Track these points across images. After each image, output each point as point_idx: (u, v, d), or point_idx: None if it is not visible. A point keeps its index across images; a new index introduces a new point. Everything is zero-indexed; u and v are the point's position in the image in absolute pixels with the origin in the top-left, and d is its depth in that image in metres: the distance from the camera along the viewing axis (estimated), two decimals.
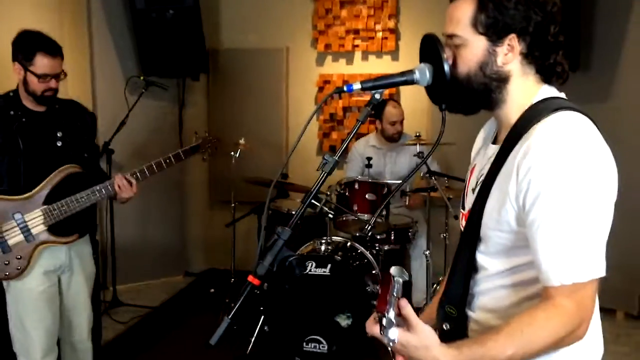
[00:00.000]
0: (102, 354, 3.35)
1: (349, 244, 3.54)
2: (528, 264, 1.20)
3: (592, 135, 1.15)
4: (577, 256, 1.10)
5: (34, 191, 2.39)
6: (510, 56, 1.23)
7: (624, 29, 3.98)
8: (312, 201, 1.30)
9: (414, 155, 3.64)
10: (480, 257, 1.27)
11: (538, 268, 1.14)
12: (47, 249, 2.44)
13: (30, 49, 2.36)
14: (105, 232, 4.38)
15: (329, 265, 3.20)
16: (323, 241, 3.44)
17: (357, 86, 1.30)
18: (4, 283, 2.49)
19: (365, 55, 4.77)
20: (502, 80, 1.25)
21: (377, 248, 3.76)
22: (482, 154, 1.39)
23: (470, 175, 1.41)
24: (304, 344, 3.24)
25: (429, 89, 1.33)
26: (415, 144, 3.53)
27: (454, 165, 4.28)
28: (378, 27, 4.67)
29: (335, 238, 3.54)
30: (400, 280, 1.09)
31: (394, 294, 1.07)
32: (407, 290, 4.02)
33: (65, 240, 2.47)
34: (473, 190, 1.35)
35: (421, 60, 1.33)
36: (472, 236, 1.26)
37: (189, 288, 4.86)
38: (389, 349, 1.11)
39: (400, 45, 4.70)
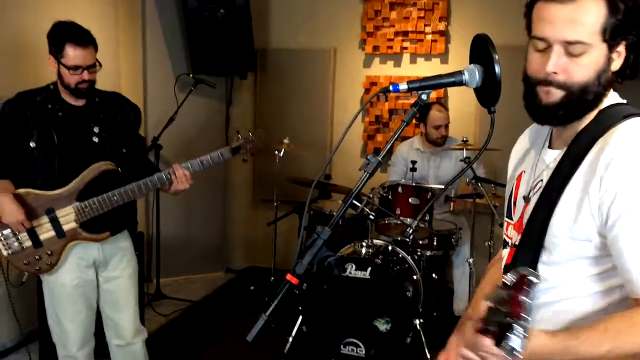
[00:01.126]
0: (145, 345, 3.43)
1: (390, 247, 3.50)
2: (598, 275, 1.16)
3: None
4: None
5: (67, 187, 2.35)
6: (617, 63, 1.17)
7: None
8: (354, 202, 1.28)
9: (460, 160, 3.57)
10: (543, 268, 1.21)
11: (628, 279, 1.10)
12: (79, 244, 2.42)
13: (60, 40, 2.29)
14: (151, 226, 4.47)
15: (369, 269, 3.17)
16: (364, 244, 3.42)
17: (403, 86, 1.28)
18: (40, 276, 2.49)
19: (413, 58, 4.71)
20: (609, 86, 1.19)
21: (418, 253, 3.70)
22: (532, 159, 1.34)
23: (518, 182, 1.36)
24: (342, 346, 3.22)
25: (478, 91, 1.30)
26: (462, 149, 3.46)
27: (501, 172, 4.17)
28: (428, 29, 4.60)
29: (376, 241, 3.50)
30: (537, 282, 0.97)
31: (529, 298, 0.94)
32: (448, 298, 3.94)
33: (96, 237, 2.42)
34: (525, 197, 1.30)
35: (471, 62, 1.30)
36: (532, 246, 1.20)
37: (229, 284, 4.91)
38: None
39: (450, 48, 4.62)
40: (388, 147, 1.33)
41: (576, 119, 1.20)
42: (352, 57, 4.85)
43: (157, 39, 4.64)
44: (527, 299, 0.93)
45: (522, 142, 1.44)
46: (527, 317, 0.92)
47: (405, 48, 4.69)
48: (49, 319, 2.52)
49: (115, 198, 2.36)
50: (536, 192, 1.26)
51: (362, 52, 4.82)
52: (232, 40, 4.53)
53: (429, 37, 4.61)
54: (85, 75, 2.33)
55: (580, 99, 1.15)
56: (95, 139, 2.41)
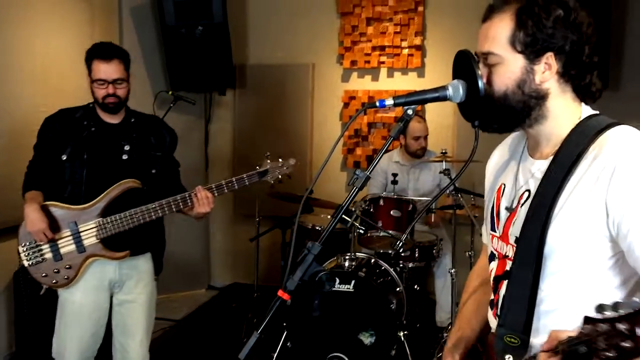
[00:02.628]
0: None
1: (372, 260, 3.52)
2: (610, 271, 1.18)
3: None
4: None
5: (92, 202, 2.38)
6: (547, 74, 1.22)
7: None
8: (344, 216, 1.29)
9: (440, 172, 3.61)
10: (551, 278, 1.22)
11: None
12: (97, 261, 2.41)
13: (88, 58, 2.41)
14: None
15: (353, 282, 3.17)
16: (347, 257, 3.42)
17: (389, 102, 1.30)
18: (57, 291, 2.48)
19: (390, 72, 4.77)
20: (541, 97, 1.24)
21: (401, 265, 3.72)
22: (512, 169, 1.36)
23: (499, 194, 1.39)
24: None
25: (462, 106, 1.33)
26: (441, 161, 3.51)
27: (478, 183, 4.23)
28: (404, 43, 4.68)
29: (359, 254, 3.51)
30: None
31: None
32: (431, 309, 3.96)
33: (115, 255, 2.41)
34: (508, 208, 1.33)
35: (454, 77, 1.33)
36: (532, 257, 1.21)
37: (211, 302, 4.87)
38: None
39: (426, 62, 4.69)
40: (375, 163, 1.35)
41: (513, 126, 1.30)
42: (330, 72, 4.89)
43: (135, 56, 4.55)
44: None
45: (500, 154, 1.47)
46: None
47: (383, 62, 4.75)
48: (54, 334, 2.52)
49: (137, 216, 2.36)
50: (523, 202, 1.29)
51: (340, 67, 4.87)
52: (210, 57, 4.54)
53: (406, 51, 4.68)
54: (111, 89, 2.38)
55: (505, 106, 1.24)
56: (125, 157, 2.45)
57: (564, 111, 1.25)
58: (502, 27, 1.22)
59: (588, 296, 1.19)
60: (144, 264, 2.56)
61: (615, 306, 0.89)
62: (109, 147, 2.45)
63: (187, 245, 5.00)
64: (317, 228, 3.75)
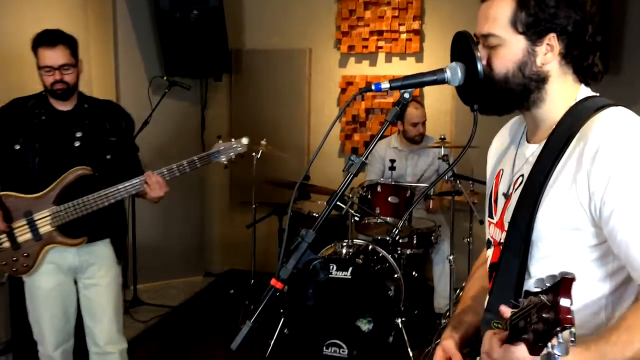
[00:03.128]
0: None
1: (370, 247, 3.50)
2: (597, 261, 1.16)
3: None
4: None
5: (45, 191, 2.39)
6: (549, 56, 1.19)
7: None
8: (338, 203, 1.26)
9: (439, 158, 3.58)
10: (537, 264, 1.20)
11: (634, 267, 1.09)
12: (55, 248, 2.43)
13: (34, 46, 2.38)
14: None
15: (350, 269, 3.16)
16: (344, 244, 3.41)
17: (385, 85, 1.26)
18: (22, 278, 2.53)
19: (388, 57, 4.72)
20: (542, 80, 1.21)
21: (399, 252, 3.71)
22: (511, 155, 1.34)
23: (497, 180, 1.36)
24: (324, 348, 3.21)
25: (460, 89, 1.29)
26: (440, 147, 3.47)
27: (477, 169, 4.21)
28: (402, 28, 4.62)
29: (356, 241, 3.50)
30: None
31: (571, 302, 0.86)
32: (429, 296, 3.94)
33: (72, 242, 2.43)
34: (505, 194, 1.30)
35: (452, 59, 1.29)
36: (520, 242, 1.19)
37: (208, 288, 4.86)
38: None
39: (425, 47, 4.64)
40: (371, 148, 1.31)
41: (512, 109, 1.26)
42: (327, 57, 4.84)
43: (129, 41, 4.56)
44: (569, 303, 0.86)
45: (501, 139, 1.44)
46: (573, 322, 0.86)
47: (381, 47, 4.70)
48: (30, 318, 2.57)
49: (90, 203, 2.38)
50: (517, 187, 1.26)
51: (337, 52, 4.82)
52: (205, 42, 4.48)
53: (404, 36, 4.63)
54: (57, 76, 2.37)
55: (505, 89, 1.21)
56: (77, 144, 2.45)
57: (561, 94, 1.22)
58: (502, 7, 1.18)
59: (580, 281, 1.16)
60: (103, 249, 2.56)
61: (547, 279, 0.90)
62: (61, 134, 2.44)
63: (185, 233, 4.99)
64: (314, 215, 3.72)
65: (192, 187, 4.97)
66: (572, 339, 0.86)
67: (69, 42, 2.41)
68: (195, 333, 3.89)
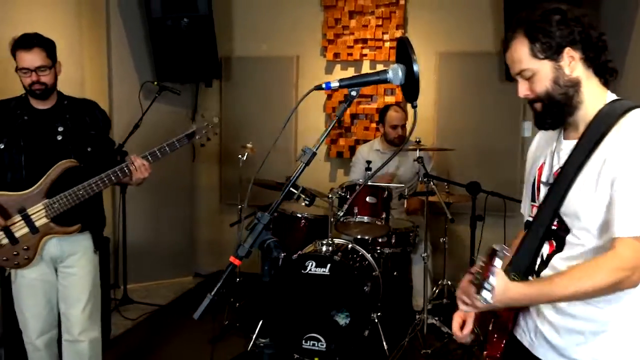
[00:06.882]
0: (110, 348, 3.48)
1: (350, 246, 3.63)
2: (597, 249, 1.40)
3: None
4: None
5: (34, 187, 2.51)
6: (574, 64, 1.44)
7: (626, 45, 4.03)
8: (290, 189, 1.40)
9: (414, 160, 3.73)
10: (573, 234, 1.44)
11: (611, 225, 1.34)
12: (52, 238, 2.57)
13: (13, 49, 2.52)
14: (117, 231, 4.52)
15: (329, 265, 3.29)
16: (324, 242, 3.53)
17: (335, 84, 1.42)
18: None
19: (373, 65, 4.87)
20: (576, 84, 1.46)
21: (378, 251, 3.84)
22: (550, 150, 1.57)
23: (540, 170, 1.59)
24: (303, 341, 3.32)
25: (403, 88, 1.44)
26: (416, 149, 3.62)
27: (454, 171, 4.35)
28: (386, 36, 4.78)
29: (337, 240, 3.62)
30: (504, 254, 1.29)
31: (497, 265, 1.28)
32: (407, 294, 4.06)
33: (69, 230, 2.57)
34: (545, 183, 1.55)
35: (397, 62, 1.44)
36: (548, 217, 1.47)
37: (197, 288, 4.97)
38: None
39: None
40: (322, 140, 1.46)
41: (564, 119, 1.49)
42: (314, 64, 4.99)
43: (122, 47, 4.71)
44: (495, 267, 1.28)
45: (543, 136, 1.68)
46: (492, 279, 1.27)
47: (365, 55, 4.85)
48: (15, 307, 2.69)
49: (81, 192, 2.51)
50: (556, 174, 1.51)
51: (323, 59, 4.97)
52: (196, 49, 4.64)
53: (387, 44, 4.78)
54: (34, 77, 2.50)
55: (552, 102, 1.46)
56: (60, 137, 2.57)
57: (594, 96, 1.46)
58: (520, 48, 1.45)
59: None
60: (83, 240, 2.69)
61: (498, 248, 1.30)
62: (43, 130, 2.56)
63: (174, 235, 5.11)
64: (297, 215, 3.86)
65: (182, 190, 5.11)
66: (490, 289, 1.28)
67: (45, 45, 2.53)
68: (182, 330, 3.99)
